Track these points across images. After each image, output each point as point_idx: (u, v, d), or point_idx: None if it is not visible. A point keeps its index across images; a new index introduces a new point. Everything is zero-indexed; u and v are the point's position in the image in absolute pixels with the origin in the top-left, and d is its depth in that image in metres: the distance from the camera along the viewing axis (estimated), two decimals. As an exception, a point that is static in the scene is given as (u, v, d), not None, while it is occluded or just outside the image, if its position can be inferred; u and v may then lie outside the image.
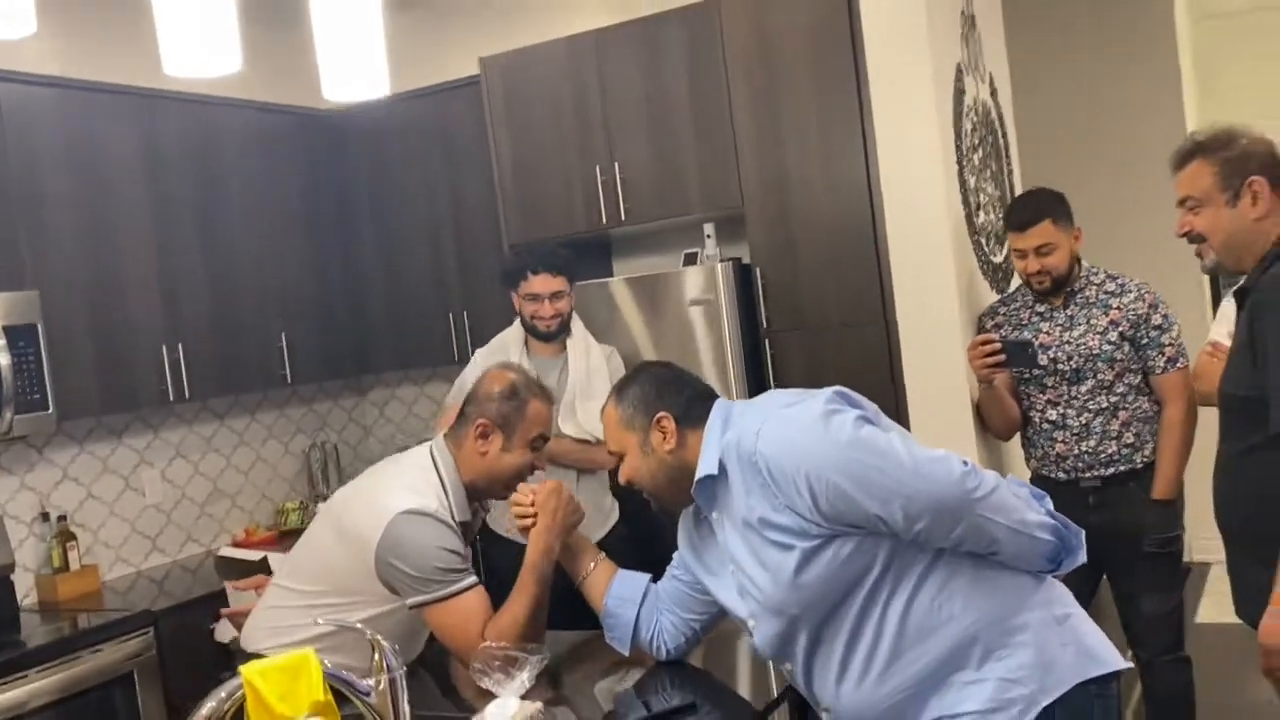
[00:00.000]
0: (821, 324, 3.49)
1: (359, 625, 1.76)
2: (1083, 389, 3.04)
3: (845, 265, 3.44)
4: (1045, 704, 1.69)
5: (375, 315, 4.57)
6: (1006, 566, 1.76)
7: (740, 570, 1.85)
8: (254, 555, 3.36)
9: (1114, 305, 3.04)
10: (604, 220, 3.81)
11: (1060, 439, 3.07)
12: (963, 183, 3.42)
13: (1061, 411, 3.07)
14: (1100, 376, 3.02)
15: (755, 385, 3.53)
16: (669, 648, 2.16)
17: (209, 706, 1.65)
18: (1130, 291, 3.05)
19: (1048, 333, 3.09)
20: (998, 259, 3.66)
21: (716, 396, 1.98)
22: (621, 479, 1.99)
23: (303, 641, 2.17)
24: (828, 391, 1.83)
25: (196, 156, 4.01)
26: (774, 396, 1.94)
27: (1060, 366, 3.06)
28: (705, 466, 1.86)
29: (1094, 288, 3.09)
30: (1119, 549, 3.00)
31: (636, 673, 2.21)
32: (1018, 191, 4.04)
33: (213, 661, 3.51)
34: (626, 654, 2.19)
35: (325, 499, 4.52)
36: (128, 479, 4.03)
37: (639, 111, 3.75)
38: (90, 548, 3.86)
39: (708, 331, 3.56)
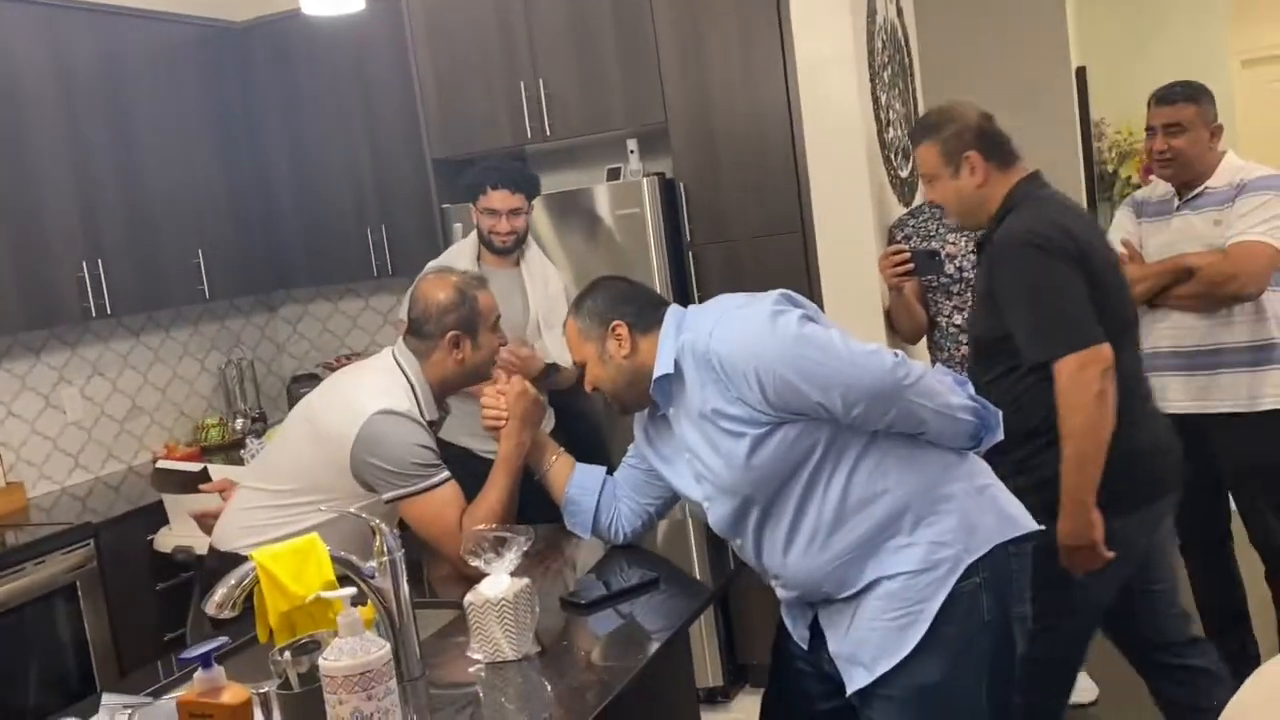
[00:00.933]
0: (743, 236, 3.70)
1: (359, 512, 1.93)
2: None
3: (765, 179, 3.64)
4: (969, 562, 1.96)
5: (290, 231, 4.61)
6: (934, 445, 2.01)
7: (696, 458, 2.07)
8: (193, 467, 3.46)
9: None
10: (529, 135, 3.93)
11: (966, 341, 3.36)
12: (875, 99, 3.65)
13: (966, 315, 3.36)
14: None
15: (680, 297, 3.73)
16: (626, 531, 2.39)
17: (221, 592, 1.80)
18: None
19: (953, 243, 3.34)
20: (905, 173, 3.91)
21: (667, 304, 2.18)
22: (587, 387, 2.18)
23: (280, 539, 2.32)
24: (775, 293, 2.04)
25: (106, 69, 3.98)
26: (725, 300, 2.14)
27: (965, 275, 3.33)
28: (662, 366, 2.06)
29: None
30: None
31: (594, 558, 2.44)
32: (922, 108, 4.30)
33: (152, 572, 3.63)
34: (587, 538, 2.41)
35: (245, 416, 4.63)
36: (47, 397, 4.05)
37: (562, 27, 3.86)
38: (13, 466, 3.90)
39: (633, 245, 3.74)
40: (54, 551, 3.35)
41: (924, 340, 3.54)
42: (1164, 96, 3.12)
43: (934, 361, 3.52)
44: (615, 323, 2.11)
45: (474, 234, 3.47)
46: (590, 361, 2.15)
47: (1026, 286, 2.36)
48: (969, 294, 3.33)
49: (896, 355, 1.95)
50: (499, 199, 3.33)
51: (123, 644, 3.51)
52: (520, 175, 3.37)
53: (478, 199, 3.37)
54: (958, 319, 3.36)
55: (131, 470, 4.28)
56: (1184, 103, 3.07)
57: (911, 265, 3.30)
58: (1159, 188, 3.19)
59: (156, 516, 3.59)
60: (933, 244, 3.35)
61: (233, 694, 1.32)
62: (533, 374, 3.34)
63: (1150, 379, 3.13)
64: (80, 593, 3.41)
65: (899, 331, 3.54)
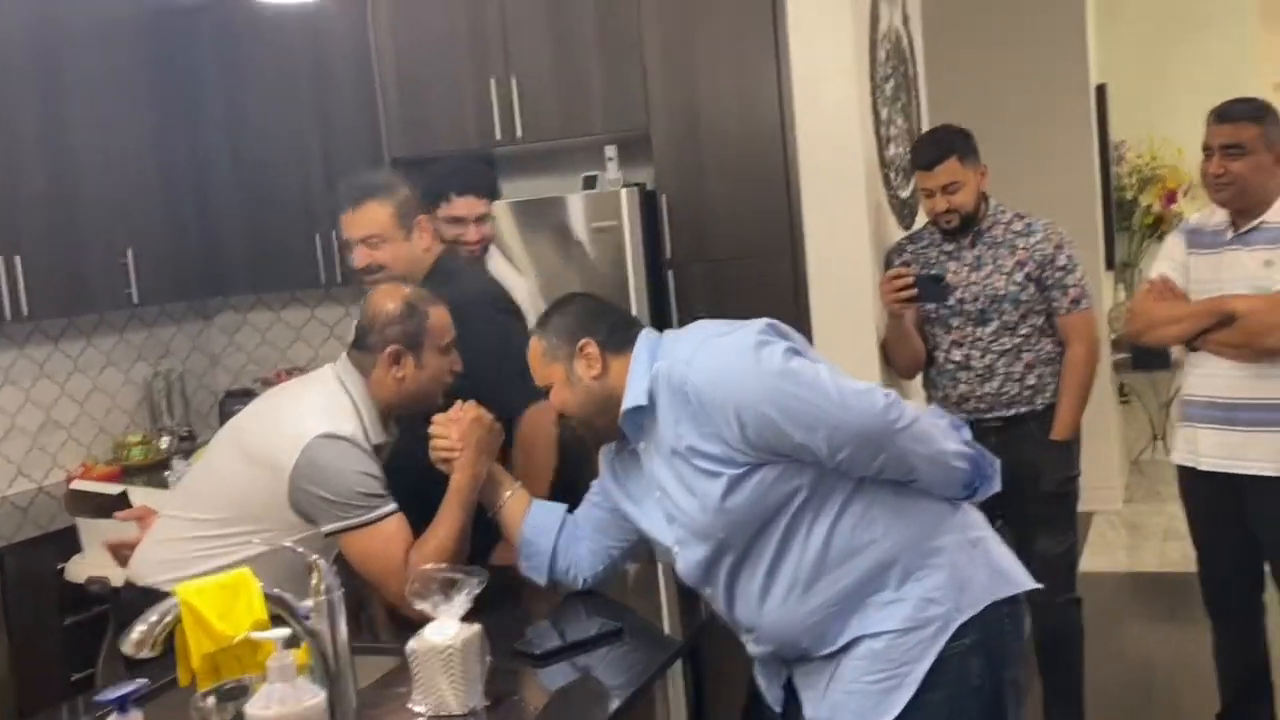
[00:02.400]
0: (728, 255, 3.74)
1: (295, 546, 1.94)
2: (988, 330, 3.36)
3: (754, 194, 3.69)
4: (960, 621, 1.98)
5: (230, 232, 4.61)
6: (924, 493, 2.04)
7: (667, 497, 2.08)
8: (112, 489, 3.46)
9: (1020, 245, 3.36)
10: (498, 136, 3.96)
11: (964, 380, 3.40)
12: (875, 113, 3.70)
13: (966, 352, 3.40)
14: (1005, 318, 3.34)
15: (657, 318, 3.77)
16: (586, 575, 2.39)
17: (139, 631, 1.80)
18: (1037, 232, 3.37)
19: (955, 272, 3.39)
20: (905, 194, 3.97)
21: (640, 325, 2.20)
22: (553, 412, 2.18)
23: (203, 574, 2.32)
24: (760, 323, 2.07)
25: (36, 48, 3.98)
26: (705, 326, 2.16)
27: (966, 307, 3.37)
28: (633, 397, 2.07)
29: (1001, 227, 3.40)
30: (1017, 489, 3.30)
31: (552, 603, 2.46)
32: (926, 125, 4.36)
33: (62, 603, 3.61)
34: (543, 583, 2.41)
35: (172, 434, 4.62)
36: (-48, 406, 4.04)
37: (540, 20, 3.90)
38: (-90, 481, 3.88)
39: (608, 261, 3.77)
40: (-48, 578, 3.33)
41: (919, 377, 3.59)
42: (1224, 113, 3.09)
43: (929, 400, 3.56)
44: (584, 341, 2.12)
45: None
46: (557, 384, 2.15)
47: None
48: (969, 327, 3.38)
49: (889, 395, 1.98)
50: (465, 206, 3.33)
51: (24, 683, 3.48)
52: (484, 179, 3.38)
53: (439, 206, 3.38)
54: (956, 355, 3.40)
55: (42, 490, 4.25)
56: (1247, 121, 3.04)
57: (915, 290, 3.33)
58: (1215, 215, 3.16)
59: (68, 543, 3.57)
60: (935, 269, 3.40)
61: (149, 743, 1.33)
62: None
63: (1183, 429, 3.18)
64: (-20, 625, 3.38)
65: (894, 365, 3.58)
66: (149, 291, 4.34)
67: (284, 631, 1.59)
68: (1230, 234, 3.11)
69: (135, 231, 4.30)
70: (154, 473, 4.35)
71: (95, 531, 3.43)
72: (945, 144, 3.35)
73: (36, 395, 4.33)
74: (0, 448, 4.19)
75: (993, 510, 3.29)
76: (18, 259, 3.86)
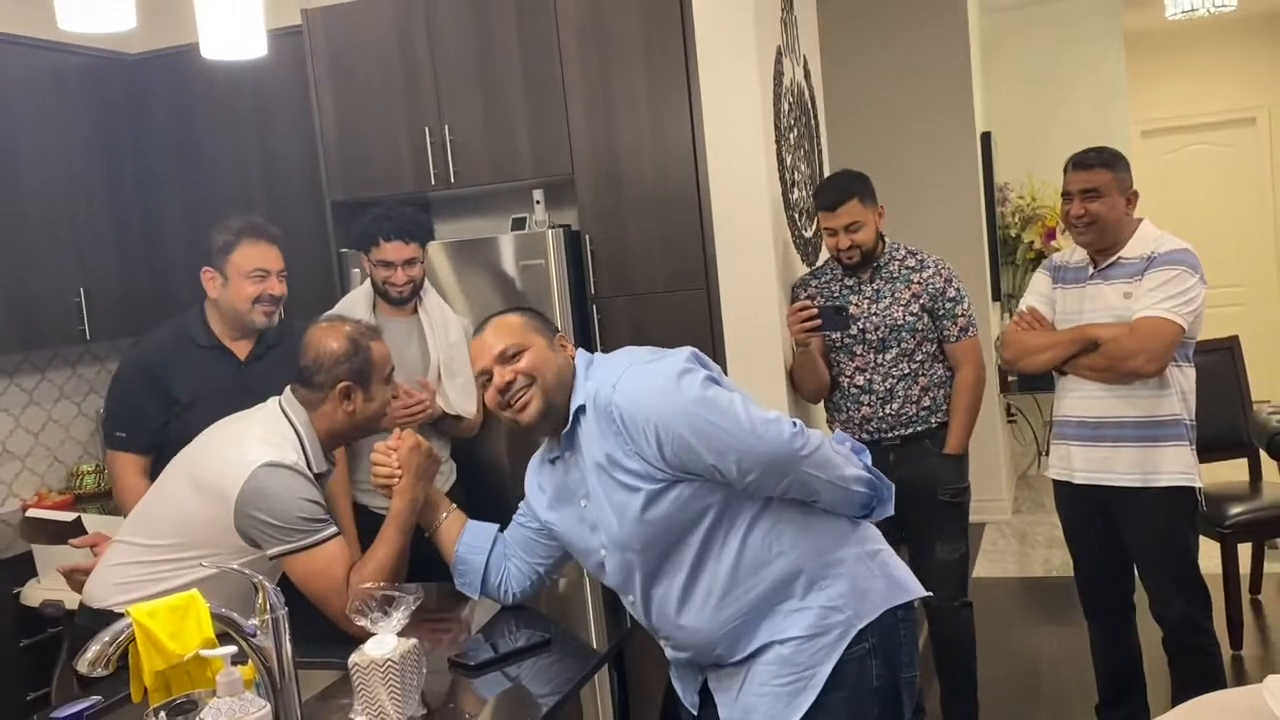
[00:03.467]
0: (647, 290, 3.78)
1: (242, 569, 1.93)
2: (887, 356, 3.45)
3: (671, 234, 3.74)
4: (860, 627, 2.04)
5: (177, 270, 4.55)
6: (827, 510, 2.10)
7: (592, 505, 2.11)
8: (66, 516, 3.39)
9: (914, 280, 3.46)
10: (433, 182, 3.97)
11: (866, 402, 3.48)
12: (780, 160, 3.78)
13: (868, 377, 3.48)
14: (903, 345, 3.43)
15: (584, 349, 3.79)
16: (515, 591, 2.41)
17: (94, 650, 1.79)
18: (929, 267, 3.48)
19: (856, 305, 3.48)
20: (808, 233, 4.04)
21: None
22: (520, 372, 2.12)
23: (157, 595, 2.30)
24: (684, 351, 2.10)
25: (-14, 96, 3.93)
26: (633, 352, 2.18)
27: (868, 336, 3.46)
28: (578, 399, 2.11)
29: (896, 263, 3.50)
30: (916, 501, 3.40)
31: (483, 617, 2.47)
32: (827, 170, 4.45)
33: (17, 626, 3.53)
34: (476, 598, 2.42)
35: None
36: (-92, 439, 3.94)
37: (470, 73, 3.92)
38: None
39: (536, 296, 3.79)
40: (-92, 604, 3.24)
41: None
42: (1080, 161, 3.22)
43: (831, 423, 3.63)
44: (560, 334, 2.21)
45: (368, 282, 3.48)
46: (536, 348, 2.14)
47: None
48: (871, 354, 3.45)
49: (795, 425, 2.02)
50: (393, 250, 3.34)
51: (-21, 702, 3.40)
52: (413, 223, 3.38)
53: (370, 250, 3.38)
54: (860, 380, 3.48)
55: (-2, 519, 4.16)
56: (1100, 168, 3.17)
57: (819, 321, 3.41)
58: (1077, 253, 3.29)
59: (23, 568, 3.50)
60: (837, 301, 3.47)
61: (102, 757, 1.32)
62: (430, 418, 3.35)
63: (1056, 446, 3.29)
64: (-65, 649, 3.30)
65: (801, 391, 3.64)
66: (100, 328, 4.28)
67: (231, 649, 1.59)
68: (1091, 270, 3.23)
69: (87, 271, 4.24)
70: (107, 500, 4.27)
71: (50, 557, 3.36)
72: (847, 187, 3.45)
73: (-9, 427, 4.24)
74: (-45, 478, 4.09)
75: (897, 523, 3.43)
76: (-28, 298, 3.79)
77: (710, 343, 3.68)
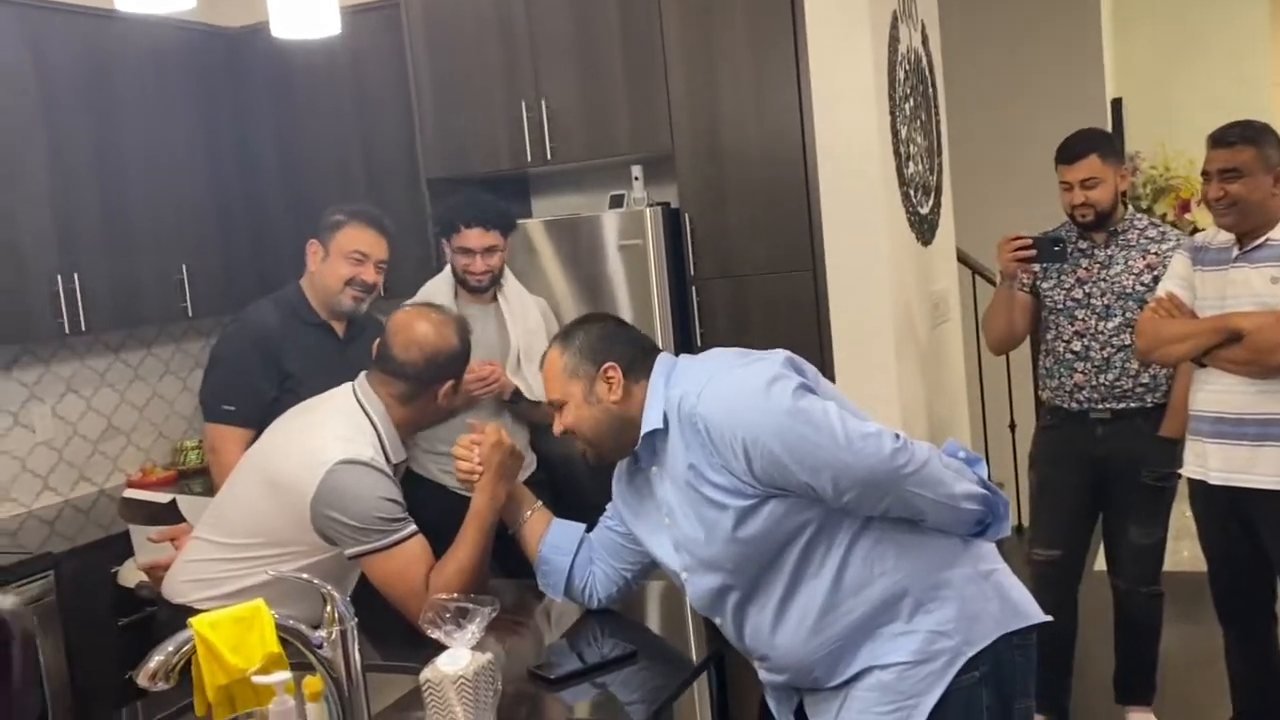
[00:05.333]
0: (750, 271, 3.61)
1: (307, 577, 1.85)
2: (1110, 324, 3.32)
3: (775, 213, 3.56)
4: (970, 655, 1.87)
5: (280, 248, 4.53)
6: (935, 528, 1.92)
7: (676, 525, 1.97)
8: (161, 497, 3.37)
9: (1152, 250, 3.32)
10: (529, 158, 3.85)
11: (1080, 369, 3.35)
12: (894, 132, 3.56)
13: (1086, 344, 3.35)
14: (1129, 315, 3.28)
15: (681, 333, 3.66)
16: (601, 596, 2.29)
17: (156, 660, 1.73)
18: (1170, 240, 3.33)
19: (1086, 268, 3.36)
20: (925, 210, 3.82)
21: (659, 350, 2.09)
22: (558, 429, 2.07)
23: (234, 593, 2.25)
24: (777, 356, 1.94)
25: (88, 73, 3.91)
26: (720, 356, 2.04)
27: (1093, 301, 3.34)
28: (651, 421, 1.96)
29: (1136, 232, 3.37)
30: (1118, 480, 3.35)
31: (569, 622, 2.35)
32: (945, 143, 4.22)
33: (115, 606, 3.55)
34: (559, 600, 2.31)
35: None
36: (16, 415, 3.98)
37: (568, 46, 3.79)
38: (-23, 486, 3.84)
39: (633, 277, 3.66)
40: (10, 583, 3.27)
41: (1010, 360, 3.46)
42: (1220, 138, 2.99)
43: (1042, 390, 3.53)
44: (608, 365, 2.00)
45: (448, 271, 3.39)
46: (573, 401, 2.03)
47: None
48: (1093, 320, 3.35)
49: (899, 439, 1.85)
50: (474, 238, 3.24)
51: (80, 682, 3.43)
52: (495, 211, 3.28)
53: (451, 237, 3.29)
54: (1076, 345, 3.38)
55: (103, 493, 4.21)
56: (1242, 145, 2.93)
57: (1033, 251, 3.31)
58: (1220, 235, 3.05)
59: (122, 547, 3.51)
60: (1066, 266, 3.37)
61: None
62: (503, 391, 3.26)
63: (1193, 444, 3.05)
64: (37, 628, 3.32)
65: (987, 335, 3.58)
66: (202, 304, 4.27)
67: (284, 676, 1.50)
68: (1236, 252, 2.97)
69: (188, 248, 4.24)
70: (210, 476, 4.28)
71: (145, 538, 3.37)
72: (1089, 141, 3.34)
73: (98, 403, 4.28)
74: (63, 453, 4.14)
75: (1095, 502, 3.40)
76: (76, 276, 3.80)
77: (816, 329, 3.51)
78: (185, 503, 3.21)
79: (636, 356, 2.03)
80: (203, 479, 4.26)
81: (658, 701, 2.01)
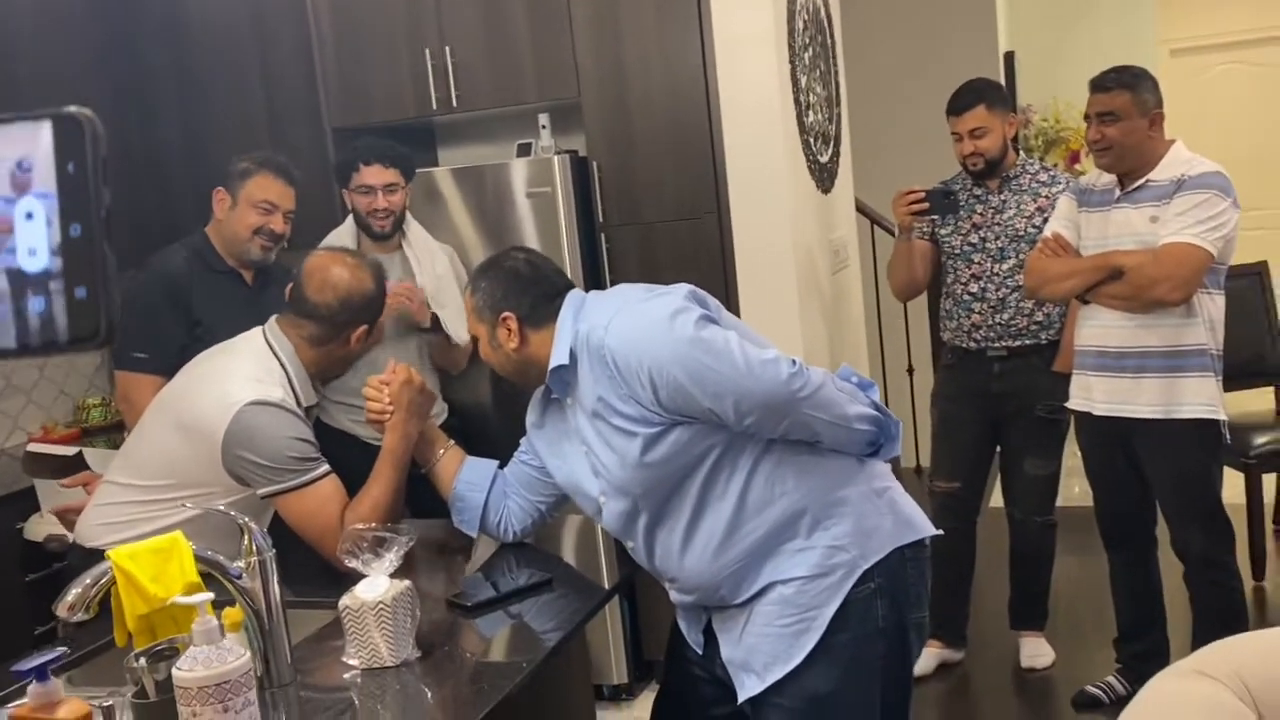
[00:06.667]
0: (657, 218, 3.67)
1: (223, 507, 1.88)
2: (1004, 266, 3.46)
3: (681, 159, 3.61)
4: (865, 567, 1.97)
5: (183, 199, 4.45)
6: (832, 449, 2.02)
7: (592, 452, 2.05)
8: (68, 450, 3.36)
9: (1043, 194, 3.46)
10: (434, 105, 3.85)
11: (977, 310, 3.50)
12: (794, 80, 3.64)
13: (982, 285, 3.49)
14: (1021, 256, 3.41)
15: (592, 280, 3.70)
16: (516, 529, 2.35)
17: (74, 593, 1.75)
18: (1060, 183, 3.47)
19: (980, 214, 3.50)
20: (824, 158, 3.92)
21: (569, 290, 2.14)
22: (481, 356, 2.17)
23: (147, 534, 2.25)
24: (681, 289, 2.02)
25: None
26: (626, 291, 2.11)
27: (988, 245, 3.47)
28: (557, 357, 2.03)
29: (1028, 176, 3.50)
30: (1013, 414, 3.52)
31: (483, 558, 2.41)
32: (844, 93, 4.31)
33: (21, 563, 3.51)
34: (475, 536, 2.37)
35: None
36: (-90, 373, 3.90)
37: (471, -8, 3.78)
38: None
39: (542, 225, 3.69)
40: (-89, 540, 3.23)
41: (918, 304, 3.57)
42: (1099, 83, 3.12)
43: (943, 331, 3.66)
44: (505, 314, 2.07)
45: (350, 219, 3.40)
46: (481, 341, 2.14)
47: None
48: (989, 263, 3.48)
49: (794, 364, 1.94)
50: (373, 174, 3.25)
51: (-15, 637, 3.39)
52: (393, 150, 3.29)
53: (350, 179, 3.30)
54: (974, 287, 3.51)
55: (3, 452, 4.13)
56: (1119, 89, 3.05)
57: (926, 205, 3.42)
58: (1104, 177, 3.18)
59: (27, 503, 3.47)
60: (962, 212, 3.49)
61: (70, 708, 1.27)
62: (422, 322, 3.29)
63: (1077, 376, 3.21)
64: (-59, 584, 3.29)
65: (891, 283, 3.72)
66: (102, 259, 4.19)
67: (207, 596, 1.54)
68: (1118, 193, 3.11)
69: (86, 201, 4.15)
70: (114, 433, 4.23)
71: (52, 491, 3.33)
72: (976, 92, 3.47)
73: (-5, 361, 4.20)
74: (-40, 412, 4.07)
75: (993, 436, 3.60)
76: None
77: (723, 271, 3.59)
78: (92, 455, 3.21)
79: (539, 302, 2.08)
80: (106, 437, 4.20)
81: (571, 624, 2.09)
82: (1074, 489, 5.34)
